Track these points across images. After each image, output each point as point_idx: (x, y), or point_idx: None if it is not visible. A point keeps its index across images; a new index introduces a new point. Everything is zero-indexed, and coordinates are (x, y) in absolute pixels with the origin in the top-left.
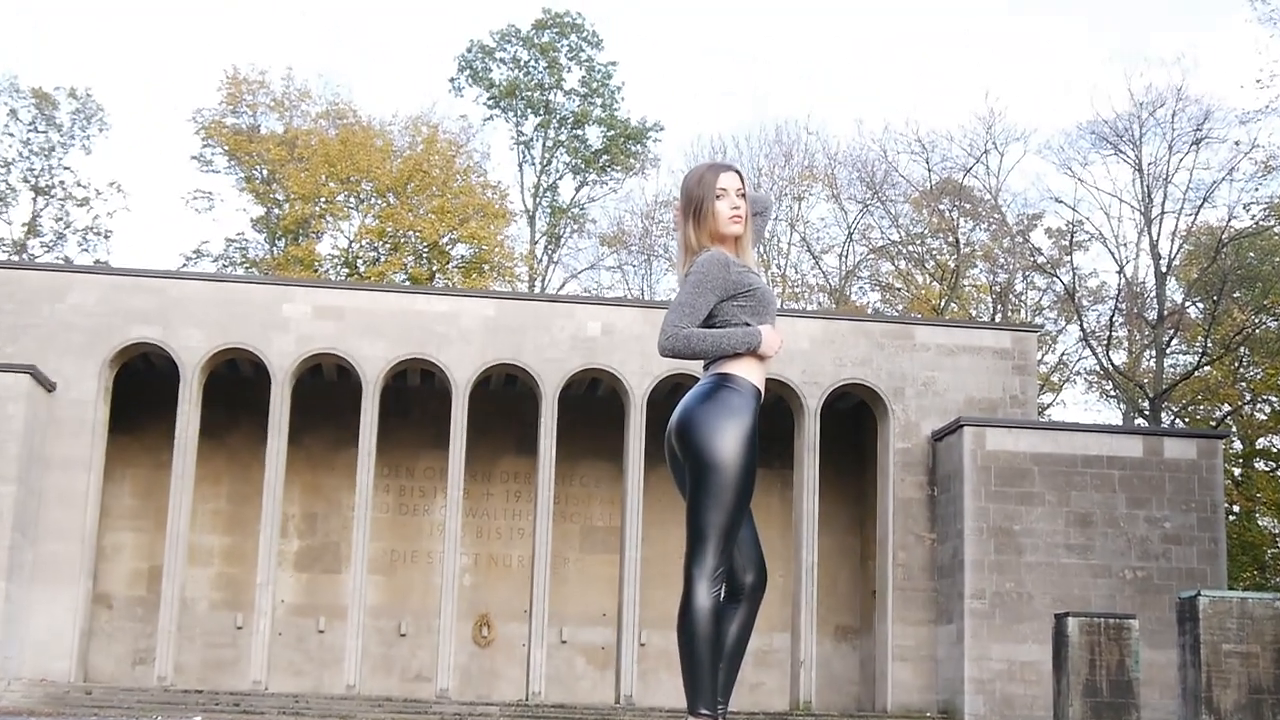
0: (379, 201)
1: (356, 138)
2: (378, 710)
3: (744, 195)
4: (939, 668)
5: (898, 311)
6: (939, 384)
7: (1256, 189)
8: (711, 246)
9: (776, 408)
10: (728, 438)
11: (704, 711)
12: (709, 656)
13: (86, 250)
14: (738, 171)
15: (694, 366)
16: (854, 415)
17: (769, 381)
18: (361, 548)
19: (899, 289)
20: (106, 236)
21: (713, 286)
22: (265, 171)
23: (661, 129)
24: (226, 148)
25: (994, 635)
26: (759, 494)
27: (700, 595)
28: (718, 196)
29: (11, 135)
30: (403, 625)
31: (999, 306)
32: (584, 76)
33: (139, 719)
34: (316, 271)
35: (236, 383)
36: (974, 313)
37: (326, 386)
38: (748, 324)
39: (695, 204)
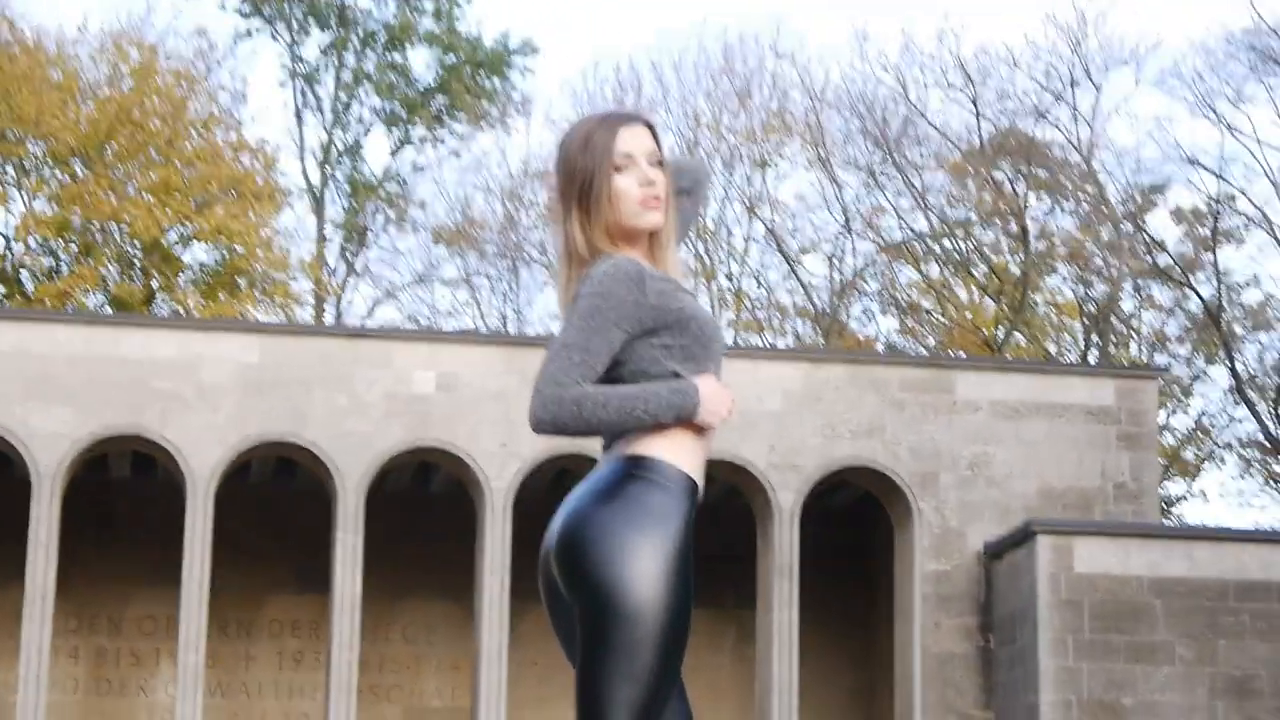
0: (57, 174)
1: (16, 67)
2: None
3: (661, 163)
4: None
5: (927, 349)
6: (996, 466)
7: None
8: (613, 250)
9: (727, 508)
10: (643, 561)
11: None
12: None
13: None
14: (648, 124)
15: (589, 445)
16: (857, 519)
17: (713, 464)
18: None
19: (929, 311)
20: None
21: (619, 316)
22: None
23: (534, 51)
24: None
25: None
26: (699, 650)
27: None
28: (618, 167)
29: None
30: None
31: (1095, 338)
32: None
33: None
34: None
35: None
36: (1053, 349)
37: None
38: (676, 374)
39: (582, 181)
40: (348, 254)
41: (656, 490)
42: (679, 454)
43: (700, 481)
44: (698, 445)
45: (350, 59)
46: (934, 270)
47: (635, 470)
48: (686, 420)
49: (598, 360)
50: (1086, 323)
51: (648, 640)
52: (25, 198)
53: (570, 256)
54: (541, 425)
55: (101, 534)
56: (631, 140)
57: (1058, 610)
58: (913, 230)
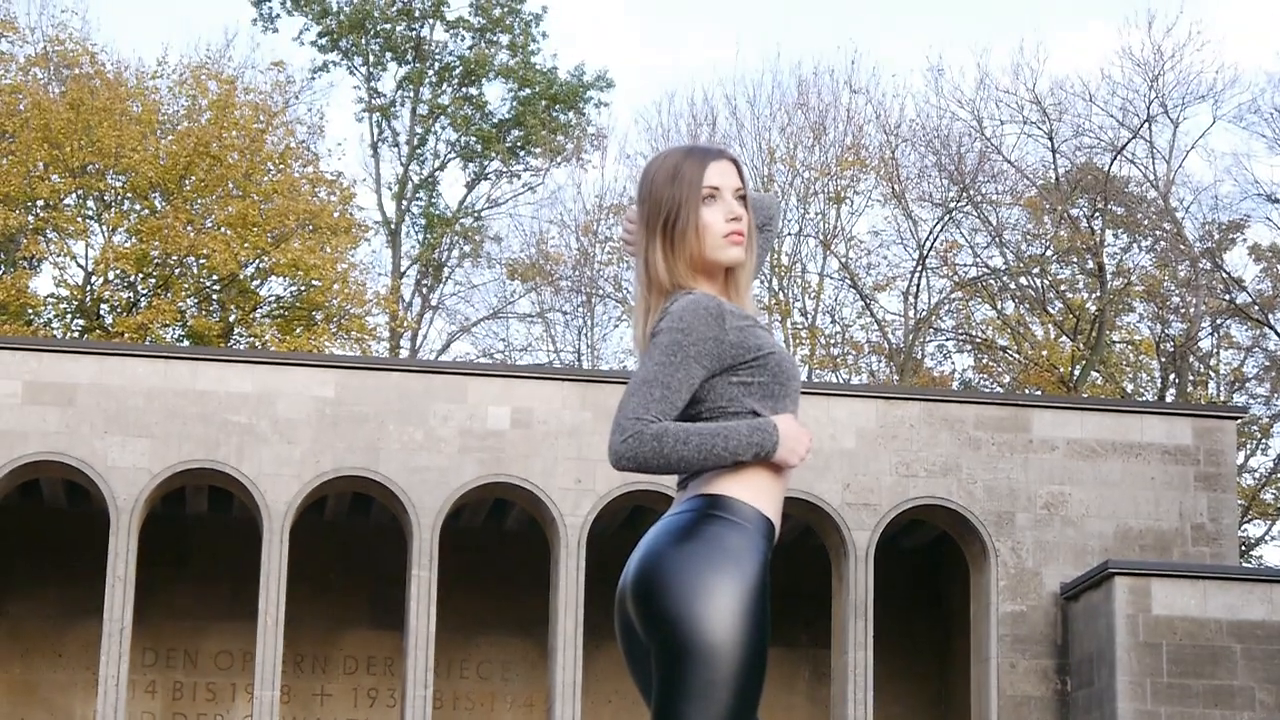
0: (137, 207)
1: (97, 100)
2: None
3: (745, 198)
4: None
5: (1003, 387)
6: (1073, 507)
7: None
8: (693, 283)
9: (801, 547)
10: (720, 601)
11: None
12: None
13: None
14: (733, 160)
15: (665, 482)
16: (931, 559)
17: (788, 502)
18: None
19: (1004, 349)
20: None
21: (699, 352)
22: None
23: (609, 85)
24: None
25: None
26: (773, 690)
27: None
28: (705, 200)
29: None
30: None
31: (1173, 377)
32: None
33: None
34: (31, 325)
35: None
36: (1130, 388)
37: (48, 517)
38: (756, 413)
39: (668, 213)
40: (423, 288)
41: (734, 530)
42: (756, 494)
43: (778, 522)
44: (775, 485)
45: (426, 93)
46: (1010, 307)
47: (712, 510)
48: (766, 459)
49: (678, 396)
50: (1164, 361)
51: (724, 681)
52: (105, 231)
53: (650, 286)
54: (622, 461)
55: (178, 568)
56: (719, 174)
57: (1135, 653)
58: (988, 267)
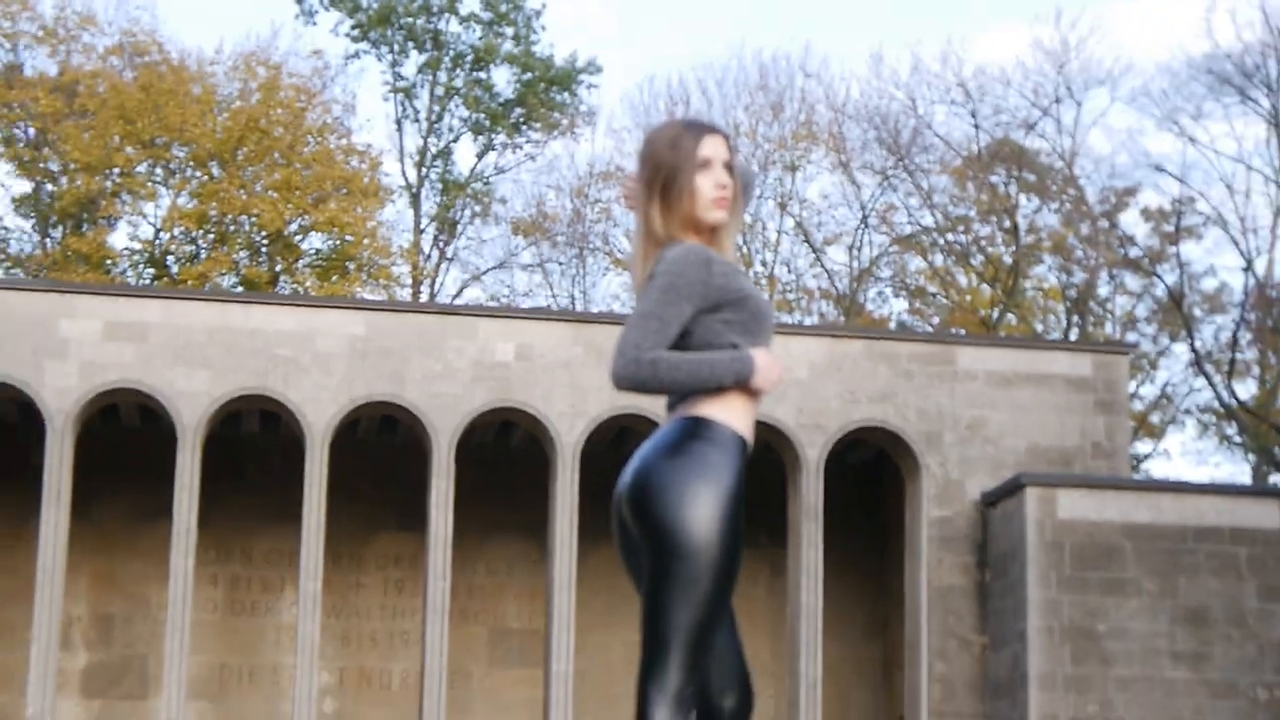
0: (197, 174)
1: (164, 83)
2: None
3: (732, 168)
4: None
5: (932, 326)
6: (991, 428)
7: None
8: (684, 237)
9: (762, 462)
10: (702, 507)
11: None
12: None
13: None
14: (725, 136)
15: (648, 405)
16: (872, 472)
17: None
18: (178, 663)
19: (934, 295)
20: None
21: (690, 293)
22: (32, 131)
23: (598, 70)
24: None
25: None
26: (739, 583)
27: None
28: (699, 168)
29: None
30: None
31: (1076, 319)
32: None
33: None
34: (109, 274)
35: None
36: (1040, 327)
37: (125, 436)
38: (736, 346)
39: (666, 176)
40: (440, 243)
41: (714, 447)
42: (732, 416)
43: (750, 440)
44: (749, 408)
45: (443, 76)
46: (938, 260)
47: (696, 429)
48: (744, 385)
49: (671, 329)
50: (1068, 305)
51: (706, 574)
52: (171, 194)
53: (648, 237)
54: (622, 382)
55: (235, 480)
56: (712, 147)
57: (1043, 551)
58: (920, 225)
